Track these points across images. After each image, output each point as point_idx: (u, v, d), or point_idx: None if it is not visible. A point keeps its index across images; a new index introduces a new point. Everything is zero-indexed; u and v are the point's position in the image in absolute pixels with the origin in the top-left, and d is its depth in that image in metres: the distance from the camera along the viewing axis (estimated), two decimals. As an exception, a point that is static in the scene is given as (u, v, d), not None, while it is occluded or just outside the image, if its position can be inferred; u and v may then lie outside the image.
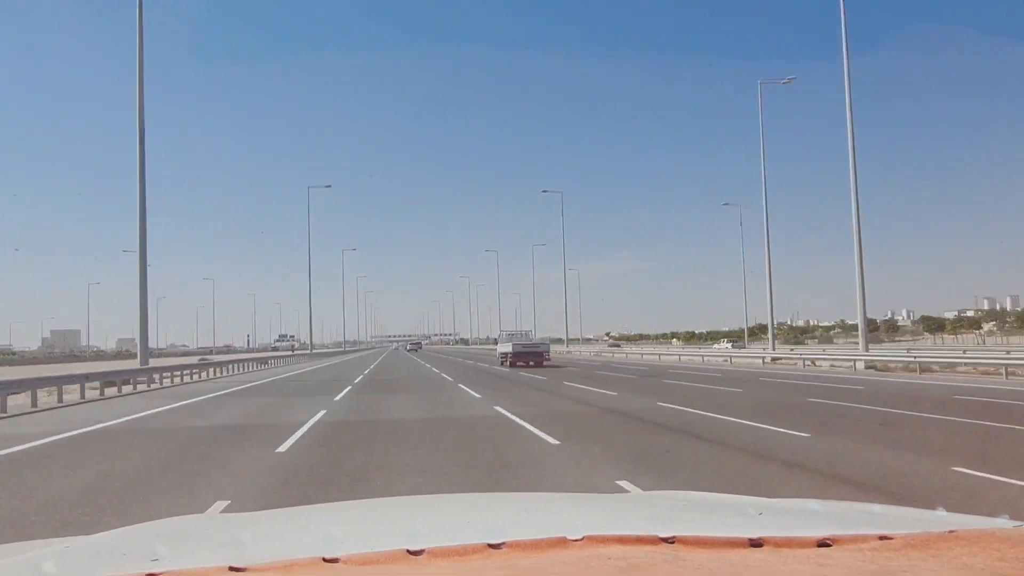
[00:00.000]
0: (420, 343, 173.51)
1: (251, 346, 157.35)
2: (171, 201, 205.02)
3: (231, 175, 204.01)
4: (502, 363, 38.37)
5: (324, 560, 0.97)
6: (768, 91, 42.18)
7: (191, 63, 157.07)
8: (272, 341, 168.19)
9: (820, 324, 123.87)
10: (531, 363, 35.55)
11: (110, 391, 21.72)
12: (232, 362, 40.37)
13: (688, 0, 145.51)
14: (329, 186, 72.28)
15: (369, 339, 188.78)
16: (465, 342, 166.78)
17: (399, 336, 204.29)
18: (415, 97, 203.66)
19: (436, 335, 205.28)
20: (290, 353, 64.21)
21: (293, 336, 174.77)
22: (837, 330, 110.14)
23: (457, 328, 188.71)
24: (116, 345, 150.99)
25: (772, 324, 41.37)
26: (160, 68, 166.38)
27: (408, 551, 1.00)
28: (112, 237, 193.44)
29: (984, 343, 66.58)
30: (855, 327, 36.99)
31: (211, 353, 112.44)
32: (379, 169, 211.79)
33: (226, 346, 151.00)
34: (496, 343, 47.30)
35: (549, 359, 37.04)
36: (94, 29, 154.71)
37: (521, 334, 41.69)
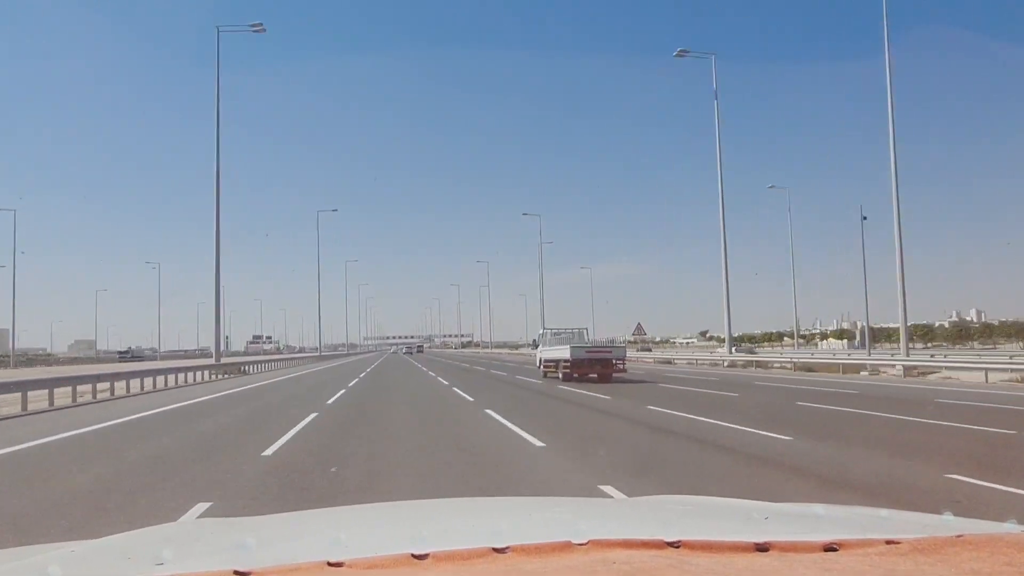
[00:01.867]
0: (422, 345, 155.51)
1: (231, 349, 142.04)
2: (170, 201, 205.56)
3: (231, 178, 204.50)
4: (546, 374, 27.32)
5: (329, 564, 0.97)
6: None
7: (191, 67, 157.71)
8: (246, 344, 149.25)
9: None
10: (594, 375, 24.41)
11: None
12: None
13: (689, 1, 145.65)
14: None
15: (363, 341, 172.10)
16: (476, 345, 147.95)
17: (399, 337, 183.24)
18: (416, 99, 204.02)
19: (441, 336, 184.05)
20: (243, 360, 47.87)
21: (270, 337, 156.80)
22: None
23: (462, 329, 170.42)
24: (67, 349, 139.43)
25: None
26: (160, 71, 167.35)
27: (413, 555, 1.00)
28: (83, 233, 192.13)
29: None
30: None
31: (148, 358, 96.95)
32: (379, 170, 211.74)
33: (200, 349, 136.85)
34: (534, 346, 33.67)
35: (624, 369, 25.52)
36: (100, 31, 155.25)
37: (576, 332, 28.48)
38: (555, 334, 28.75)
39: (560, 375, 25.18)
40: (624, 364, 25.69)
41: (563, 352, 25.21)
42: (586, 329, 29.33)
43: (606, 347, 26.47)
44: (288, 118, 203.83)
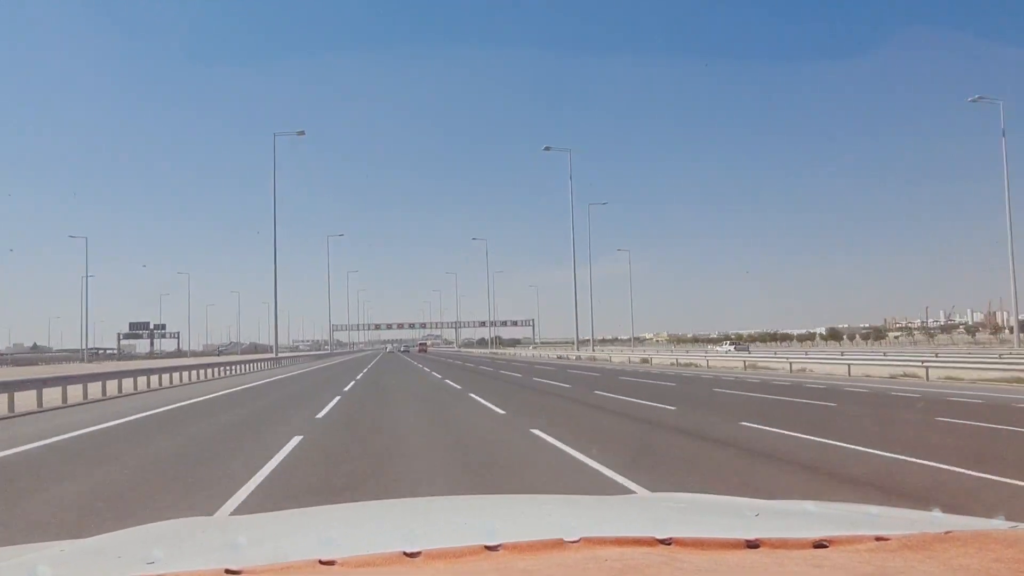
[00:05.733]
0: (425, 343, 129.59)
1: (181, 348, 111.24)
2: (165, 200, 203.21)
3: (223, 174, 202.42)
4: None
5: (320, 562, 0.97)
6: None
7: (187, 62, 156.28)
8: (118, 337, 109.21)
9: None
10: None
11: None
12: None
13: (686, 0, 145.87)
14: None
15: (351, 338, 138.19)
16: (514, 343, 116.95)
17: (399, 327, 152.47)
18: (412, 91, 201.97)
19: (446, 325, 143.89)
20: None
21: (163, 326, 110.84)
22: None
23: (461, 318, 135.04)
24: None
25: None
26: (156, 67, 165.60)
27: (405, 553, 1.00)
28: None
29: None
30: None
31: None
32: (374, 166, 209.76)
33: (101, 349, 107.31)
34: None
35: None
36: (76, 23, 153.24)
37: None
38: None
39: None
40: None
41: None
42: None
43: None
44: (283, 116, 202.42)
